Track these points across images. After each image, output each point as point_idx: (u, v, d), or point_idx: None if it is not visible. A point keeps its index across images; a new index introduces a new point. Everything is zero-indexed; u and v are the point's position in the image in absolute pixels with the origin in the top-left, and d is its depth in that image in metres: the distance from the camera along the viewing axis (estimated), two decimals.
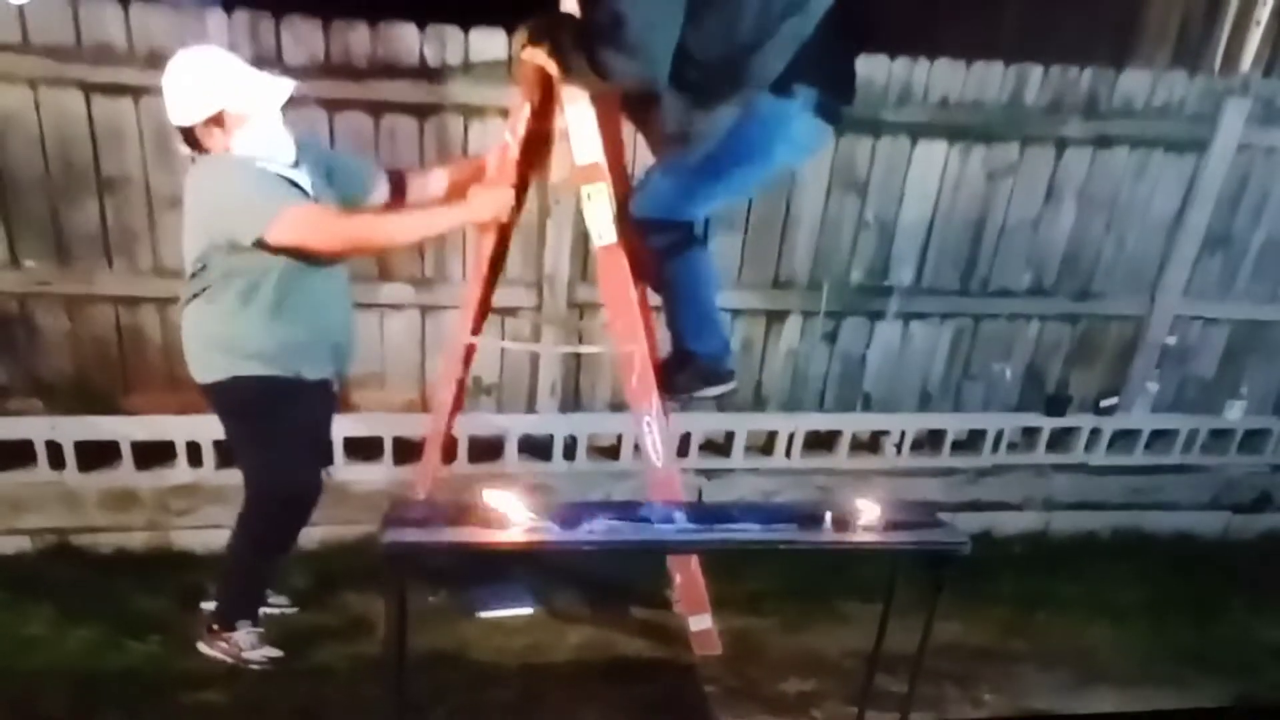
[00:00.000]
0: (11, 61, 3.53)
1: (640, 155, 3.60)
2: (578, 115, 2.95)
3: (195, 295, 2.93)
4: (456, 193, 3.23)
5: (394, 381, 4.31)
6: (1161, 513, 4.86)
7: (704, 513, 2.73)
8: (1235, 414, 5.00)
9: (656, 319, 3.52)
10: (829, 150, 4.10)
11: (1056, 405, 4.83)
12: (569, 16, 2.93)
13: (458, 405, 3.62)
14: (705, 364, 3.24)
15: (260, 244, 2.74)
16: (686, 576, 3.40)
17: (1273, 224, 4.79)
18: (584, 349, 4.38)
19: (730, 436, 4.47)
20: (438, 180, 3.35)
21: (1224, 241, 4.79)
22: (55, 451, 3.80)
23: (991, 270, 4.65)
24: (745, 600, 3.78)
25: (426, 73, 3.82)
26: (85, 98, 3.65)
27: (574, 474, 4.31)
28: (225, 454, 3.71)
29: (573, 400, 4.54)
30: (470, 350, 3.51)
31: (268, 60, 3.57)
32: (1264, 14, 5.26)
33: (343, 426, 3.85)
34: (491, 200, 3.10)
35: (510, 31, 3.75)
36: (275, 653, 3.25)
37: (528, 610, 3.72)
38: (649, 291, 3.37)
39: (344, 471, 4.00)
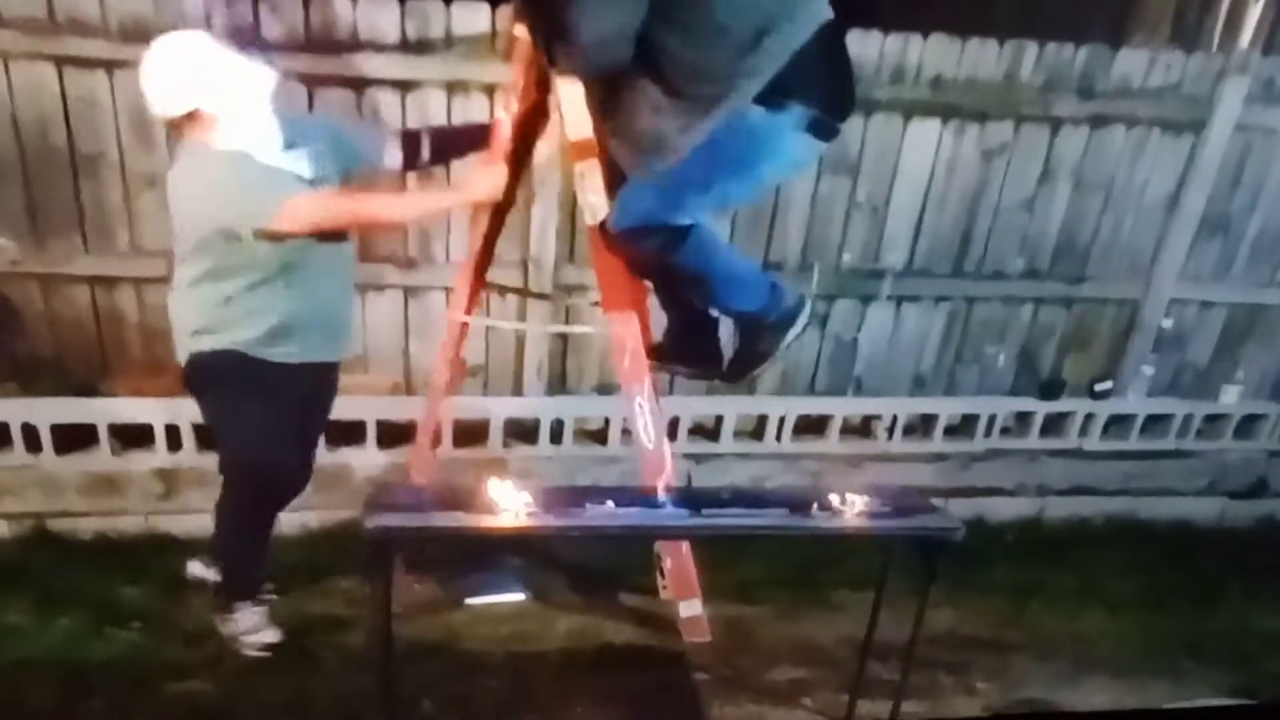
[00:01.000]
0: None
1: None
2: (570, 92, 2.88)
3: (186, 279, 2.90)
4: (470, 149, 3.24)
5: (377, 365, 4.25)
6: (1157, 498, 4.82)
7: (694, 498, 2.68)
8: (1231, 398, 4.96)
9: (649, 299, 3.45)
10: None
11: (1050, 389, 4.80)
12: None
13: (453, 387, 3.54)
14: (770, 316, 2.98)
15: (261, 234, 2.72)
16: (677, 562, 3.35)
17: (1271, 206, 4.75)
18: (574, 329, 4.31)
19: (719, 420, 4.42)
20: (451, 140, 3.34)
21: (1221, 224, 4.75)
22: (32, 435, 3.74)
23: (985, 252, 4.62)
24: (736, 588, 3.73)
25: (408, 47, 3.75)
26: (58, 72, 3.58)
27: (561, 458, 4.26)
28: (205, 437, 3.65)
29: (559, 383, 4.49)
30: (463, 330, 3.44)
31: (245, 35, 3.50)
32: None
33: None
34: (488, 179, 3.05)
35: (494, 6, 3.69)
36: (272, 638, 3.21)
37: (518, 597, 3.67)
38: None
39: (328, 456, 3.93)
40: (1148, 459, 4.87)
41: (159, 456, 3.87)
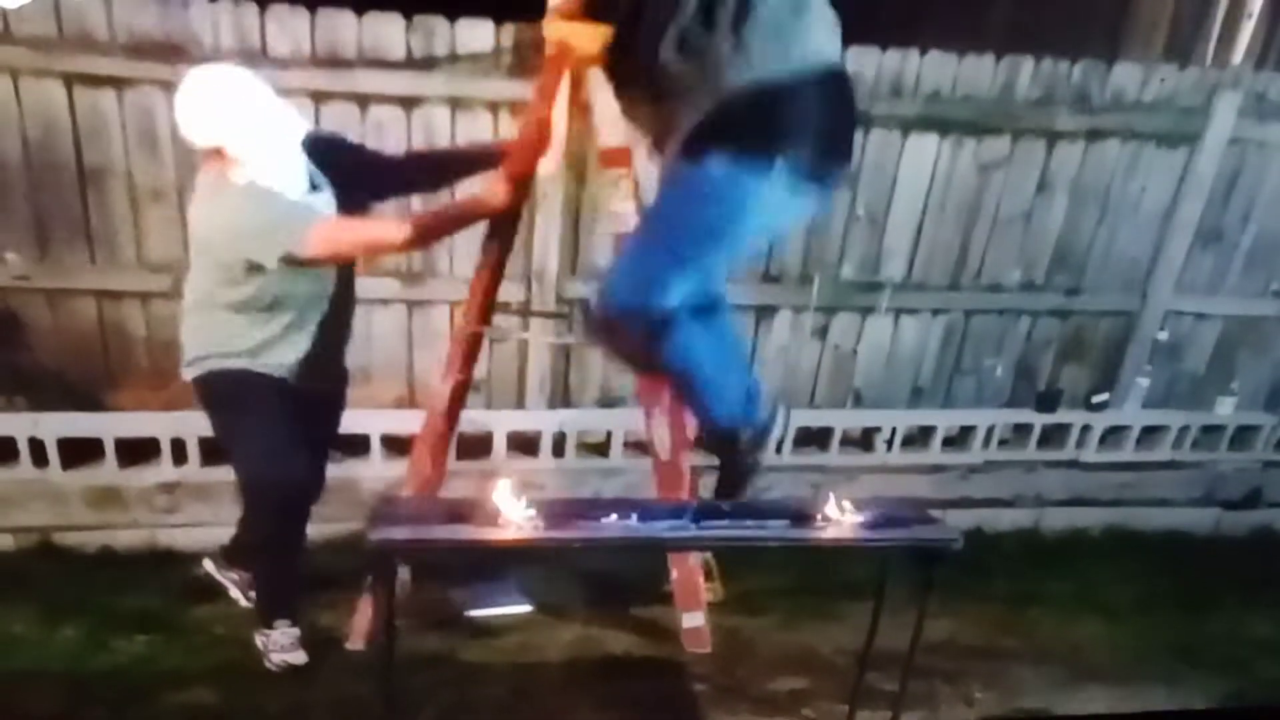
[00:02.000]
0: None
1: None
2: (606, 99, 2.82)
3: (197, 297, 2.96)
4: (482, 166, 3.22)
5: (381, 378, 4.26)
6: (1153, 509, 4.85)
7: (695, 510, 2.69)
8: (1226, 410, 4.98)
9: None
10: None
11: (1047, 401, 4.82)
12: None
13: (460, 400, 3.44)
14: (743, 436, 2.63)
15: (284, 261, 2.76)
16: (683, 573, 3.37)
17: (1265, 218, 4.78)
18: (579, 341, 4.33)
19: None
20: (458, 161, 3.40)
21: (1216, 236, 4.78)
22: (38, 449, 3.75)
23: (982, 265, 4.64)
24: (736, 598, 3.76)
25: (413, 63, 3.78)
26: (67, 88, 3.60)
27: (563, 471, 4.27)
28: (210, 451, 3.67)
29: (562, 396, 4.51)
30: (476, 340, 3.30)
31: (252, 52, 3.54)
32: (1256, 6, 5.26)
33: None
34: (505, 188, 3.01)
35: (498, 23, 3.72)
36: (299, 660, 3.20)
37: (524, 609, 3.69)
38: None
39: (332, 469, 3.94)
40: (1144, 470, 4.88)
41: (164, 470, 3.88)
